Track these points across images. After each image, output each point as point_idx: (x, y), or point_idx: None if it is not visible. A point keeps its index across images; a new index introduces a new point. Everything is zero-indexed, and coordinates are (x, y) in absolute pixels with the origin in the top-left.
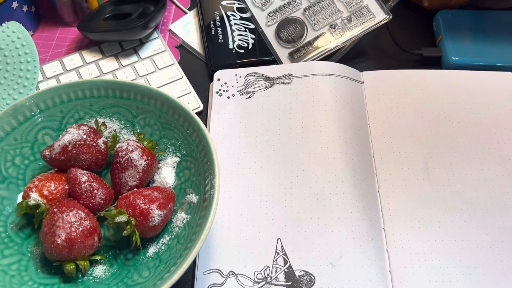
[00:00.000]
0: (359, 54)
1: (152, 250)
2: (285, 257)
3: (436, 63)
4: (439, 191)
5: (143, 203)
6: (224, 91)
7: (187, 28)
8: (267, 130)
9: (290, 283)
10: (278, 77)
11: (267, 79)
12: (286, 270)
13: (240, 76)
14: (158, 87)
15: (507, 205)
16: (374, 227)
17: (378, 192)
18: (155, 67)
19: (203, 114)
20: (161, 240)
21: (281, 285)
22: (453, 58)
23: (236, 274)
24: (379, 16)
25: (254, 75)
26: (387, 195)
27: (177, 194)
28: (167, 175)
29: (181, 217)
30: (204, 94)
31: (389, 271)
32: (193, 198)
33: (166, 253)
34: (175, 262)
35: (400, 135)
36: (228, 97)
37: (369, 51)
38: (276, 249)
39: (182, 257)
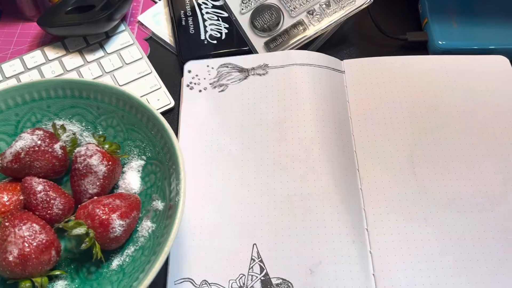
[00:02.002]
0: (341, 42)
1: (116, 262)
2: (261, 264)
3: (422, 48)
4: (426, 186)
5: (102, 213)
6: (195, 84)
7: (157, 18)
8: (242, 126)
9: None
10: (253, 68)
11: (241, 70)
12: (262, 278)
13: (213, 68)
14: (125, 84)
15: (498, 199)
16: (356, 228)
17: (360, 189)
18: (122, 62)
19: (175, 111)
20: (126, 251)
21: None
22: (440, 42)
23: (209, 284)
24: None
25: (227, 66)
26: (370, 192)
27: (143, 200)
28: (132, 180)
29: (147, 226)
30: (176, 89)
31: (373, 274)
32: (159, 205)
33: (130, 266)
34: (137, 277)
35: (384, 127)
36: (200, 91)
37: (351, 38)
38: (252, 255)
39: (145, 271)
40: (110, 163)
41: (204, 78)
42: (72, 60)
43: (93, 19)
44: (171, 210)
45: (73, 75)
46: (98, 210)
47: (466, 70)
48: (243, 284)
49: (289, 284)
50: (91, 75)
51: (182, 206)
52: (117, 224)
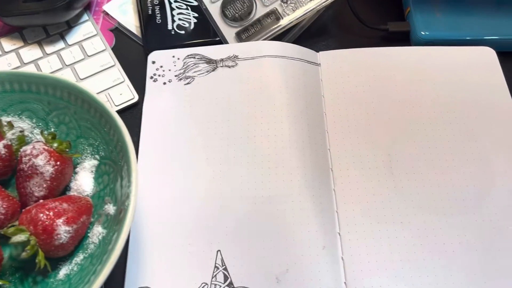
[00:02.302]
0: (318, 33)
1: (63, 271)
2: (225, 273)
3: (404, 39)
4: (403, 187)
5: (46, 218)
6: (159, 76)
7: (123, 8)
8: (209, 123)
9: None
10: (222, 60)
11: (209, 61)
12: (226, 287)
13: (178, 58)
14: (86, 77)
15: (480, 201)
16: (328, 232)
17: (333, 190)
18: (84, 54)
19: (139, 106)
20: (75, 259)
21: None
22: (423, 33)
23: None
24: None
25: (194, 57)
26: (344, 194)
27: (95, 203)
28: (84, 181)
29: (97, 231)
30: (141, 83)
31: (344, 283)
32: (111, 209)
33: (77, 275)
34: None
35: (360, 124)
36: (164, 83)
37: (329, 29)
38: (215, 263)
39: (89, 282)
40: (58, 163)
41: (169, 70)
42: (31, 52)
43: (51, 7)
44: (121, 214)
45: (31, 68)
46: (41, 215)
47: (449, 63)
48: None
49: None
50: (50, 68)
51: (132, 211)
52: (63, 230)
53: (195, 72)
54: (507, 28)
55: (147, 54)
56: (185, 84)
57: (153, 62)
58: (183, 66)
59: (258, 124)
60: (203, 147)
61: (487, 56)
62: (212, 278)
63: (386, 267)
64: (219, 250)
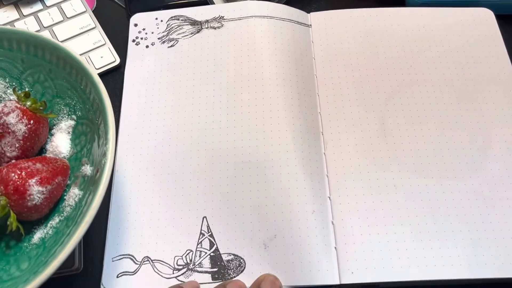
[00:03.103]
0: None
1: (38, 235)
2: (211, 239)
3: (399, 1)
4: (397, 150)
5: (18, 178)
6: (142, 38)
7: None
8: (193, 86)
9: (216, 269)
10: (207, 21)
11: (193, 23)
12: (212, 254)
13: (162, 20)
14: (66, 40)
15: (477, 165)
16: (318, 197)
17: (324, 154)
18: (63, 16)
19: (121, 69)
20: (50, 222)
21: (206, 271)
22: None
23: (152, 260)
24: None
25: (178, 19)
26: (335, 157)
27: (72, 165)
28: (60, 143)
29: (74, 193)
30: (123, 46)
31: (335, 248)
32: (88, 169)
33: (52, 238)
34: (55, 251)
35: (352, 87)
36: (147, 46)
37: None
38: (201, 229)
39: (62, 244)
40: (32, 122)
41: (152, 32)
42: (6, 14)
43: None
44: (98, 174)
45: None
46: (13, 174)
47: (446, 24)
48: (190, 260)
49: (241, 260)
50: (27, 30)
51: (109, 170)
52: (35, 191)
53: (178, 34)
54: None
55: (130, 17)
56: (168, 47)
57: (135, 25)
58: (167, 28)
59: (245, 86)
60: (188, 111)
61: (485, 17)
62: (197, 245)
63: (377, 232)
64: (205, 217)
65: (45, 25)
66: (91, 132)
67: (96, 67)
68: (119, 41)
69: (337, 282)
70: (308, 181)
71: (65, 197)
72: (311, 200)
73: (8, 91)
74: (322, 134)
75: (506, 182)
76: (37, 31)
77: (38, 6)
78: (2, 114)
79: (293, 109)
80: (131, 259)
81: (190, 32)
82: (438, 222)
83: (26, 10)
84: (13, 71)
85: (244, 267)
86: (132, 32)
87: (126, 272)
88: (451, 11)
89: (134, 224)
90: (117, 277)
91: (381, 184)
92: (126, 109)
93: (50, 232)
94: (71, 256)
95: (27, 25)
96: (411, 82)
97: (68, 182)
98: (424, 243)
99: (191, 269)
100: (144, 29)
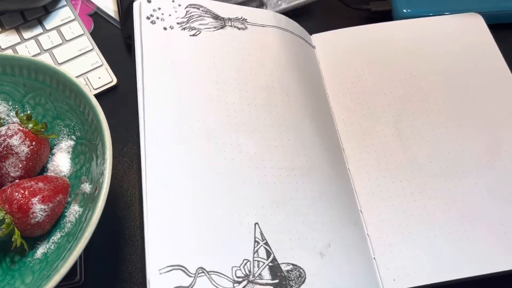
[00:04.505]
0: (300, 13)
1: (41, 250)
2: (267, 248)
3: (386, 18)
4: (416, 157)
5: (21, 197)
6: (158, 18)
7: None
8: (225, 83)
9: (277, 280)
10: (230, 19)
11: (215, 17)
12: (270, 264)
13: (180, 5)
14: (65, 62)
15: (491, 163)
16: (353, 210)
17: (348, 170)
18: (62, 39)
19: (118, 89)
20: (52, 238)
21: (267, 283)
22: (404, 11)
23: (207, 272)
24: None
25: (198, 8)
26: (359, 172)
27: (72, 183)
28: (61, 162)
29: (74, 210)
30: (119, 66)
31: (374, 258)
32: (87, 187)
33: (54, 253)
34: (57, 265)
35: (364, 103)
36: (165, 28)
37: (312, 10)
38: (255, 237)
39: (64, 258)
40: (34, 143)
41: (170, 15)
42: (8, 38)
43: None
44: (96, 192)
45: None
46: (16, 194)
47: (440, 32)
48: (249, 271)
49: (300, 270)
50: (28, 53)
51: (106, 188)
52: (38, 209)
53: (201, 24)
54: (488, 2)
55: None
56: (190, 36)
57: (149, 1)
58: (186, 14)
59: (278, 95)
60: (222, 110)
61: (475, 22)
62: (254, 254)
63: (411, 238)
64: (257, 223)
65: (45, 48)
66: (89, 151)
67: (94, 88)
68: (116, 62)
69: None
70: (342, 194)
71: (66, 213)
72: (350, 212)
73: (11, 113)
74: (343, 151)
75: None
76: (38, 54)
77: (38, 29)
78: (6, 137)
79: (318, 123)
80: (183, 271)
81: (213, 26)
82: (465, 221)
83: (27, 34)
84: (15, 95)
85: (305, 278)
86: (145, 9)
87: (179, 287)
88: (440, 20)
89: (181, 231)
90: None
91: (406, 192)
92: (148, 93)
93: (52, 247)
94: (73, 269)
95: (28, 48)
96: (417, 90)
97: (69, 199)
98: (456, 243)
99: (252, 281)
100: (160, 8)
